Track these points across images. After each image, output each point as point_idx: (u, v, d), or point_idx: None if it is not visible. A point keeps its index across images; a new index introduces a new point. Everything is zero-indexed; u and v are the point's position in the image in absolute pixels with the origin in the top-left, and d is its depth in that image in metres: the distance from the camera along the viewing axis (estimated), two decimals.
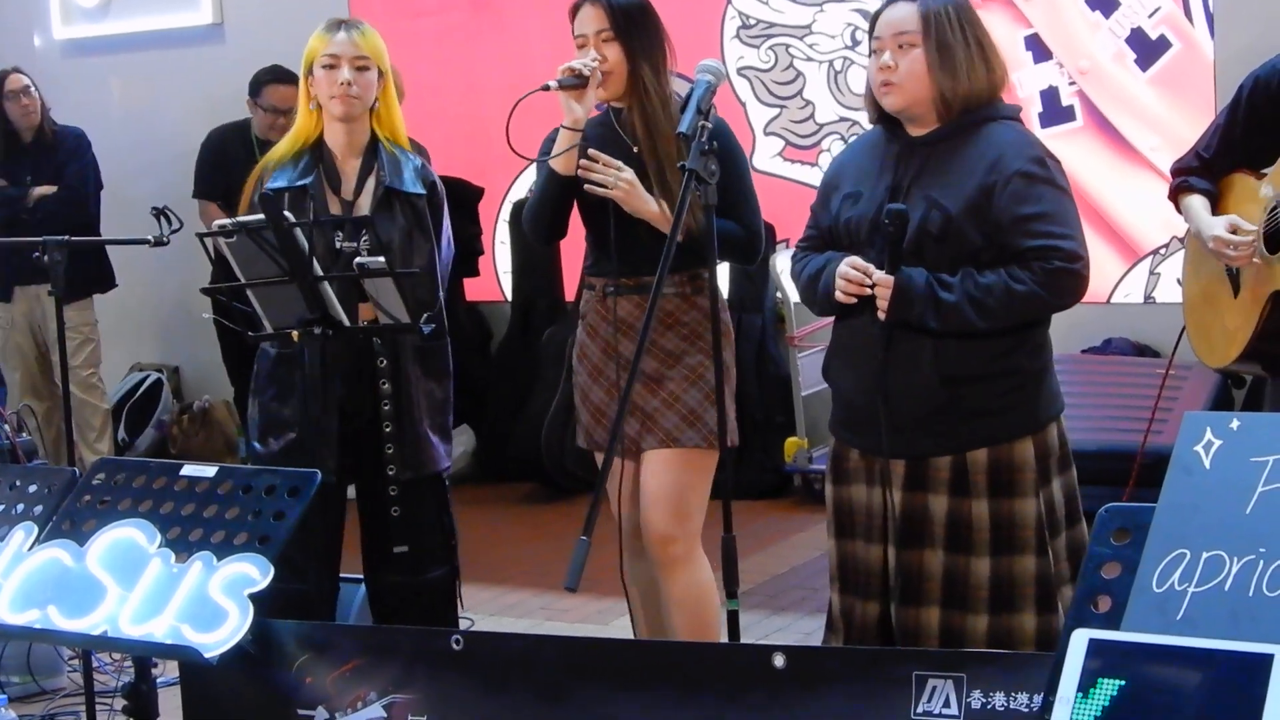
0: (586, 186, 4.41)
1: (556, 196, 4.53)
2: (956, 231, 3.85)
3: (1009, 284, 3.80)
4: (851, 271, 3.91)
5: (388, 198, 4.61)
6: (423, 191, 4.67)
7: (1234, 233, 4.15)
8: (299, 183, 4.60)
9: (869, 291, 3.88)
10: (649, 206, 4.40)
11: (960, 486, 3.93)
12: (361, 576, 4.80)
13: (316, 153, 4.67)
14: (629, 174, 4.40)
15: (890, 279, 3.84)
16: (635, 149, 4.46)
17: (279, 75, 8.07)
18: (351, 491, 4.76)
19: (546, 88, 4.39)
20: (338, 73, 4.57)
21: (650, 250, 4.35)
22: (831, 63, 8.15)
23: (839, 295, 3.95)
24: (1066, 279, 3.83)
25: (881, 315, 3.87)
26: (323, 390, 4.48)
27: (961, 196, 3.86)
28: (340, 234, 4.56)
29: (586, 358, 4.63)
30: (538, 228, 4.64)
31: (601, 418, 4.59)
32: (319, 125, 4.68)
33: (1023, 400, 3.96)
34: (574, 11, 4.51)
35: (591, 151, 4.42)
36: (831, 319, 4.17)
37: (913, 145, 3.98)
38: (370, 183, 4.65)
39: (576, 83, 4.41)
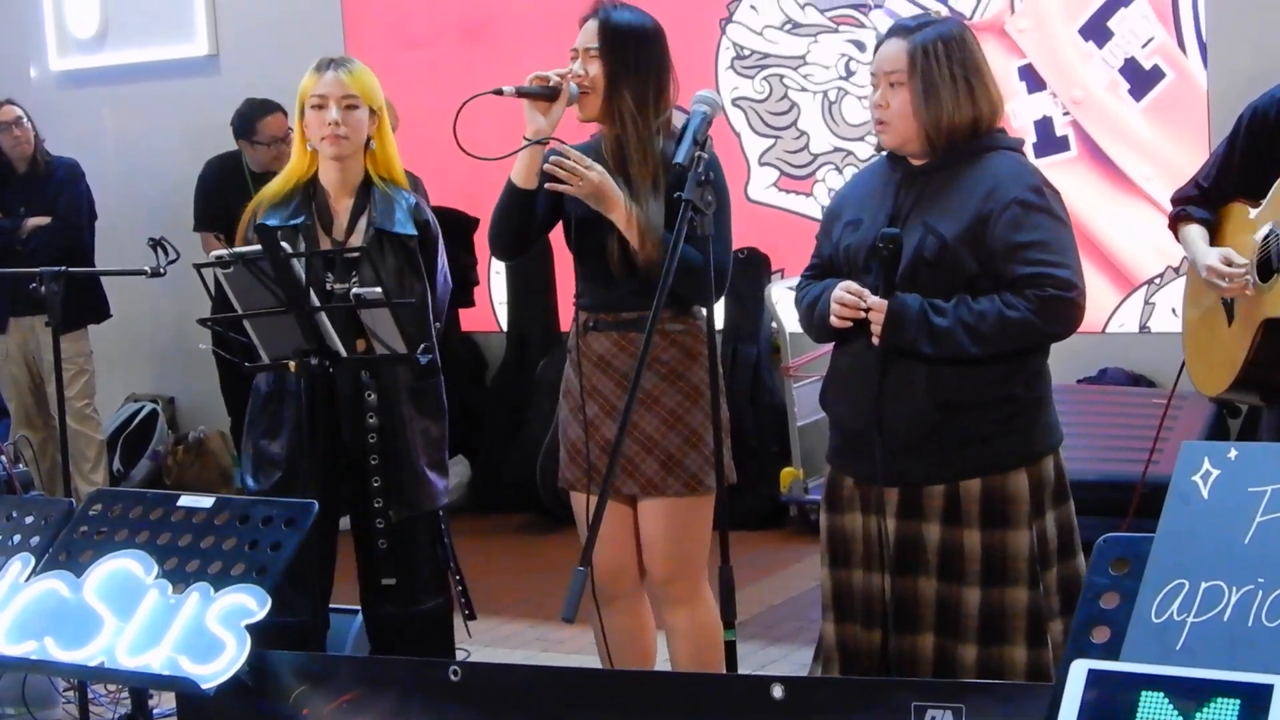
0: (548, 185, 4.29)
1: (513, 209, 4.41)
2: (952, 258, 3.87)
3: (1003, 310, 3.81)
4: (846, 295, 3.92)
5: (378, 238, 4.60)
6: (414, 232, 4.65)
7: (1228, 264, 4.16)
8: (291, 222, 4.60)
9: (864, 315, 3.89)
10: (617, 208, 4.27)
11: (953, 515, 3.93)
12: (356, 608, 4.80)
13: (309, 192, 4.68)
14: (596, 173, 4.27)
15: (884, 304, 3.86)
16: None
17: (267, 107, 8.09)
18: (345, 524, 4.76)
19: (499, 92, 4.29)
20: (326, 113, 4.57)
21: (623, 285, 4.35)
22: (826, 93, 8.17)
23: (834, 320, 3.95)
24: (1061, 307, 3.83)
25: (875, 340, 3.88)
26: (310, 425, 4.49)
27: (958, 223, 3.87)
28: (331, 274, 4.55)
29: (570, 393, 4.55)
30: (496, 240, 4.53)
31: (576, 455, 4.51)
32: (313, 165, 4.69)
33: (1017, 429, 3.95)
34: (581, 23, 4.43)
35: (560, 146, 4.30)
36: (827, 349, 4.18)
37: (913, 174, 4.00)
38: (362, 223, 4.64)
39: (540, 92, 4.31)
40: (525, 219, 4.45)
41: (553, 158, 4.29)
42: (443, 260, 4.75)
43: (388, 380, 4.59)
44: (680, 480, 4.39)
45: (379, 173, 4.69)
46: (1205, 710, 2.40)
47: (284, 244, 4.22)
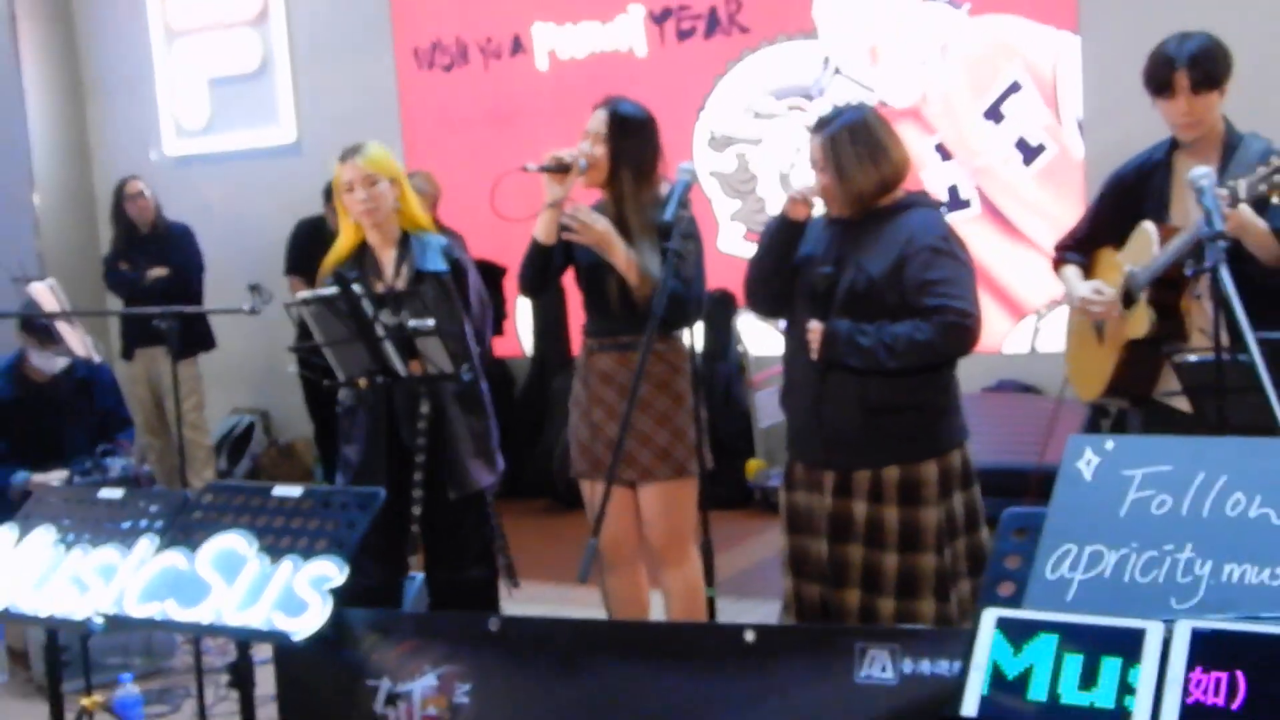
0: (564, 235, 4.33)
1: (536, 259, 4.45)
2: (878, 292, 3.90)
3: (913, 334, 3.84)
4: (797, 191, 4.03)
5: (418, 277, 4.59)
6: (446, 268, 4.63)
7: (1098, 294, 4.17)
8: (350, 275, 4.59)
9: (813, 196, 4.00)
10: (618, 254, 4.32)
11: (876, 495, 3.96)
12: (414, 573, 4.79)
13: (359, 252, 4.69)
14: (602, 224, 4.32)
15: (820, 326, 3.91)
16: None
17: None
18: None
19: (525, 169, 4.32)
20: (355, 194, 4.57)
21: (620, 316, 4.38)
22: (780, 168, 8.17)
23: (787, 206, 4.06)
24: (959, 331, 3.85)
25: (813, 356, 3.94)
26: (377, 432, 4.48)
27: (882, 264, 3.91)
28: (387, 308, 4.54)
29: (579, 402, 4.58)
30: (524, 283, 4.55)
31: (584, 452, 4.54)
32: (359, 232, 4.69)
33: (929, 428, 3.98)
34: (595, 108, 4.46)
35: (575, 206, 4.36)
36: (780, 367, 4.20)
37: (848, 226, 4.04)
38: (405, 268, 4.64)
39: (557, 167, 4.32)
40: (546, 266, 4.48)
41: (568, 211, 4.33)
42: (475, 285, 4.72)
43: (438, 387, 4.58)
44: (670, 467, 4.41)
45: (409, 226, 4.68)
46: (1030, 643, 2.41)
47: (355, 286, 4.24)
